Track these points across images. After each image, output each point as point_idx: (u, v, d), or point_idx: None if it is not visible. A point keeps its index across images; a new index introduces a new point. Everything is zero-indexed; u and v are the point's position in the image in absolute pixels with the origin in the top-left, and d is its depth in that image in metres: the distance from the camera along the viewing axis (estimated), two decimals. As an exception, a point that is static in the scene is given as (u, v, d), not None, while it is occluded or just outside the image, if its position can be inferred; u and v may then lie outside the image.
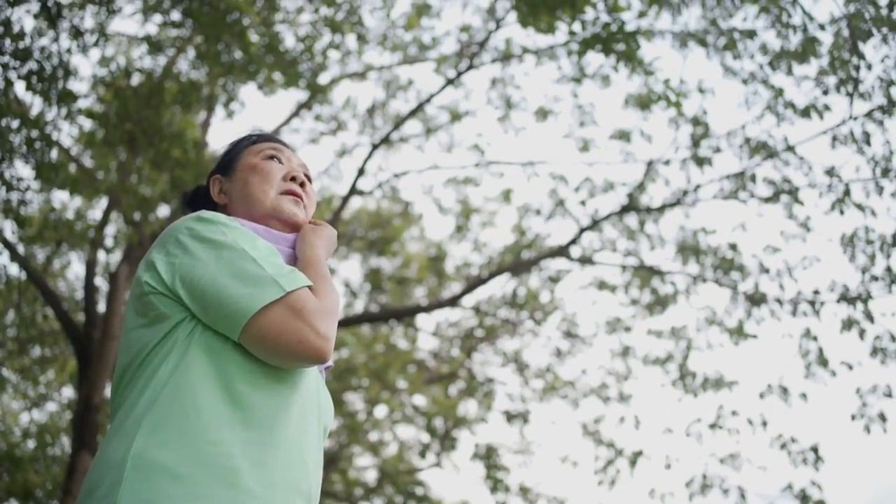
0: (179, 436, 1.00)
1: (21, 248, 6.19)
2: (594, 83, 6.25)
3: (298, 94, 7.53)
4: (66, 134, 5.67)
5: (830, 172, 5.14)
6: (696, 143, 5.80)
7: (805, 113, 5.09)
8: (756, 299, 5.80)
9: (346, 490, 9.54)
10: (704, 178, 5.93)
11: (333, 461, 9.02)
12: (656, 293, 6.68)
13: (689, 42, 5.48)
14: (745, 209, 5.93)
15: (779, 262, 5.75)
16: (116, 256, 7.33)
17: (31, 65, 4.27)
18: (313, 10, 5.87)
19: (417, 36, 7.22)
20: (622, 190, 6.40)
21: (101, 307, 6.80)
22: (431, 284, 8.89)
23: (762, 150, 5.49)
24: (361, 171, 7.11)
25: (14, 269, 5.87)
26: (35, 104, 5.17)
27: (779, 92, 5.27)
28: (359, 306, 9.10)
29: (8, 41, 4.17)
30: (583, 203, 6.62)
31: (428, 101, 7.16)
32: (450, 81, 6.89)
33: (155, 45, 5.57)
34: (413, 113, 7.29)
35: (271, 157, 1.34)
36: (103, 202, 6.87)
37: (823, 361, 5.36)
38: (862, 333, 5.09)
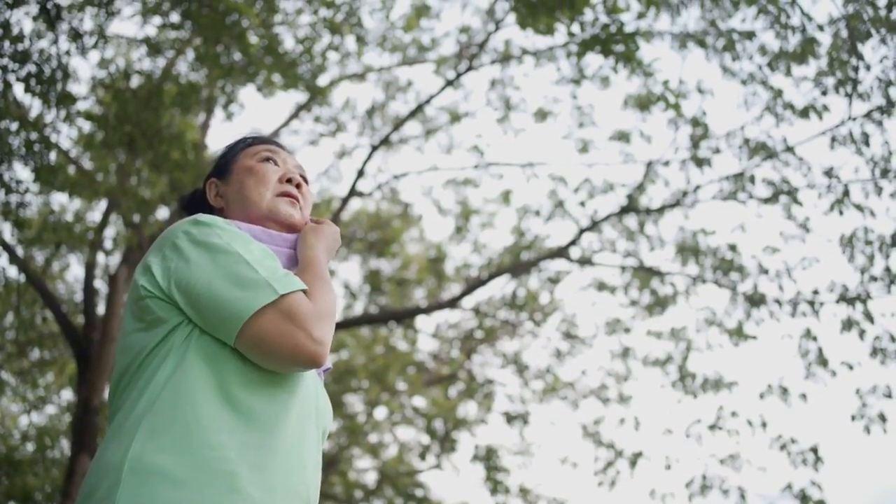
0: (177, 440, 1.00)
1: (20, 251, 6.19)
2: (593, 84, 6.26)
3: (298, 96, 7.54)
4: (65, 136, 5.68)
5: (829, 173, 5.15)
6: (695, 143, 5.80)
7: (804, 114, 5.10)
8: (755, 300, 5.80)
9: (346, 492, 9.53)
10: (704, 178, 5.94)
11: (333, 463, 9.02)
12: (656, 294, 6.68)
13: (689, 43, 5.48)
14: (745, 210, 5.95)
15: (778, 262, 5.76)
16: (116, 258, 7.33)
17: (31, 67, 4.28)
18: (312, 11, 5.87)
19: (417, 37, 7.23)
20: (622, 191, 6.41)
21: (101, 309, 6.79)
22: (431, 286, 8.89)
23: (761, 150, 5.49)
24: (361, 173, 7.11)
25: (13, 272, 5.87)
26: (34, 106, 5.17)
27: (778, 93, 5.28)
28: (358, 308, 9.10)
29: (7, 43, 4.17)
30: (582, 204, 6.63)
31: (427, 102, 7.16)
32: (449, 83, 6.89)
33: (154, 47, 5.57)
34: (412, 114, 7.29)
35: (267, 160, 1.34)
36: (102, 204, 6.87)
37: (823, 362, 5.36)
38: (862, 334, 5.09)
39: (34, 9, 4.31)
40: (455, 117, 7.55)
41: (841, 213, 5.02)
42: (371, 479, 9.74)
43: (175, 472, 0.98)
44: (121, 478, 0.98)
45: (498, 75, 6.96)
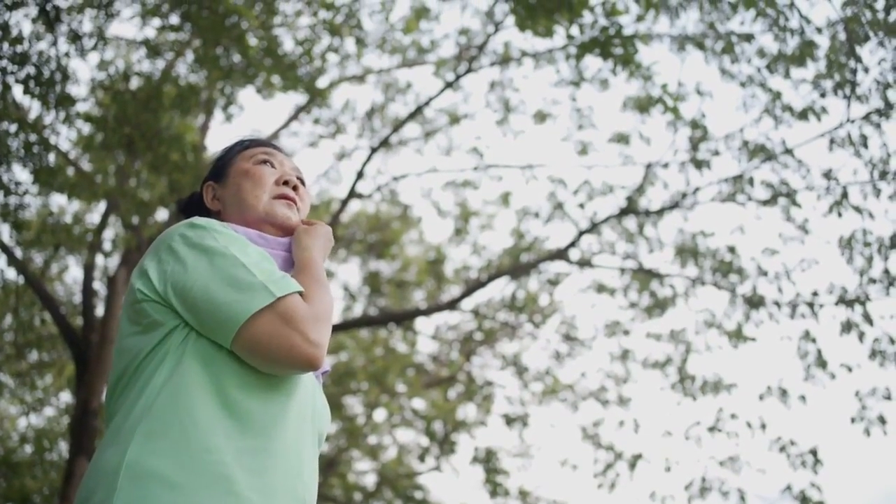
0: (174, 444, 1.00)
1: (19, 252, 6.18)
2: (593, 86, 6.26)
3: (297, 98, 7.54)
4: (64, 138, 5.67)
5: (828, 175, 5.16)
6: (694, 146, 5.81)
7: (803, 116, 5.11)
8: (755, 302, 5.80)
9: (346, 494, 9.52)
10: (703, 180, 5.95)
11: (332, 465, 9.01)
12: (655, 296, 6.68)
13: (687, 45, 5.49)
14: (744, 212, 5.95)
15: (777, 264, 5.76)
16: (115, 260, 7.32)
17: (30, 69, 4.28)
18: (312, 13, 5.87)
19: (416, 39, 7.24)
20: (621, 193, 6.41)
21: (100, 311, 6.79)
22: (430, 288, 8.88)
23: (760, 152, 5.50)
24: (360, 175, 7.11)
25: (12, 274, 5.87)
26: (33, 108, 5.18)
27: (776, 95, 5.29)
28: (358, 309, 9.09)
29: (6, 45, 4.18)
30: (581, 206, 6.63)
31: (427, 104, 7.17)
32: (448, 85, 6.90)
33: (153, 49, 5.58)
34: (412, 116, 7.29)
35: (263, 162, 1.33)
36: (101, 206, 6.86)
37: (822, 363, 5.36)
38: (861, 336, 5.09)
39: (33, 10, 4.32)
40: (454, 119, 7.55)
41: (840, 214, 5.02)
42: (370, 481, 9.74)
43: (172, 475, 0.98)
44: (118, 482, 0.98)
45: (497, 77, 6.97)
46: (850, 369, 5.20)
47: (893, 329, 5.10)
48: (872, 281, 5.01)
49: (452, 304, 7.28)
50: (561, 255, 6.76)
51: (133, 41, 6.33)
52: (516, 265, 7.20)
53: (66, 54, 4.44)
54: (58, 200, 8.23)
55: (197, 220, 1.17)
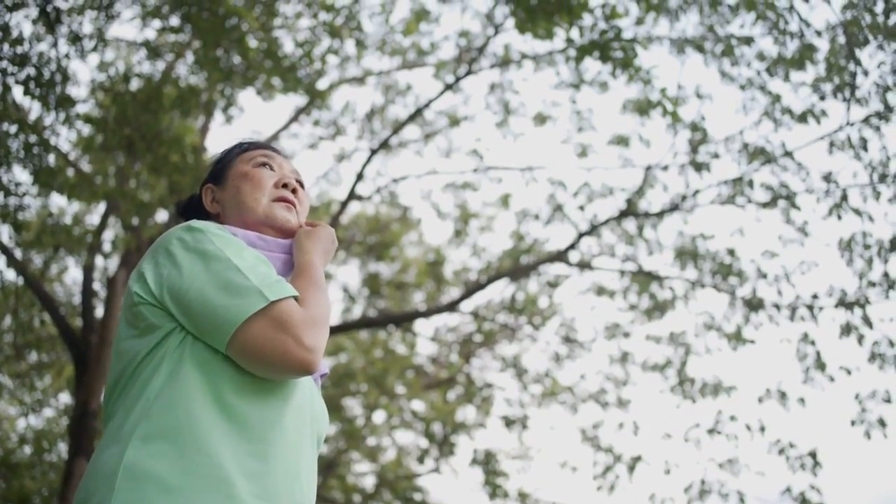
0: (172, 447, 1.00)
1: (18, 253, 6.18)
2: (592, 89, 6.27)
3: (297, 100, 7.54)
4: (64, 139, 5.68)
5: (828, 178, 5.16)
6: (694, 148, 5.81)
7: (802, 119, 5.11)
8: (754, 304, 5.80)
9: (345, 496, 9.51)
10: (702, 183, 5.95)
11: (331, 467, 9.00)
12: (655, 298, 6.68)
13: (687, 48, 5.50)
14: (744, 214, 5.95)
15: (777, 266, 5.76)
16: (114, 261, 7.32)
17: (30, 70, 4.28)
18: (312, 15, 5.87)
19: (416, 41, 7.24)
20: (621, 195, 6.42)
21: (99, 312, 6.79)
22: (430, 289, 8.88)
23: (760, 155, 5.50)
24: (360, 176, 7.11)
25: (11, 275, 5.87)
26: (33, 109, 5.18)
27: (776, 98, 5.29)
28: (357, 311, 9.09)
29: (6, 46, 4.18)
30: (581, 208, 6.63)
31: (427, 106, 7.17)
32: (448, 87, 6.91)
33: (154, 51, 5.58)
34: (412, 118, 7.30)
35: (263, 165, 1.33)
36: (101, 207, 6.86)
37: (821, 366, 5.36)
38: (860, 339, 5.09)
39: (34, 12, 4.32)
40: (454, 121, 7.56)
41: (839, 217, 5.02)
42: (369, 482, 9.73)
43: (170, 478, 0.98)
44: (115, 485, 0.98)
45: (497, 79, 6.97)
46: (848, 372, 5.20)
47: (893, 332, 5.10)
48: (872, 284, 5.01)
49: (452, 306, 7.28)
50: (560, 257, 6.76)
51: (133, 43, 6.34)
52: (516, 267, 7.20)
53: (67, 55, 4.44)
54: (57, 201, 8.24)
55: (194, 223, 1.17)
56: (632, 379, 7.26)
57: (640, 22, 5.28)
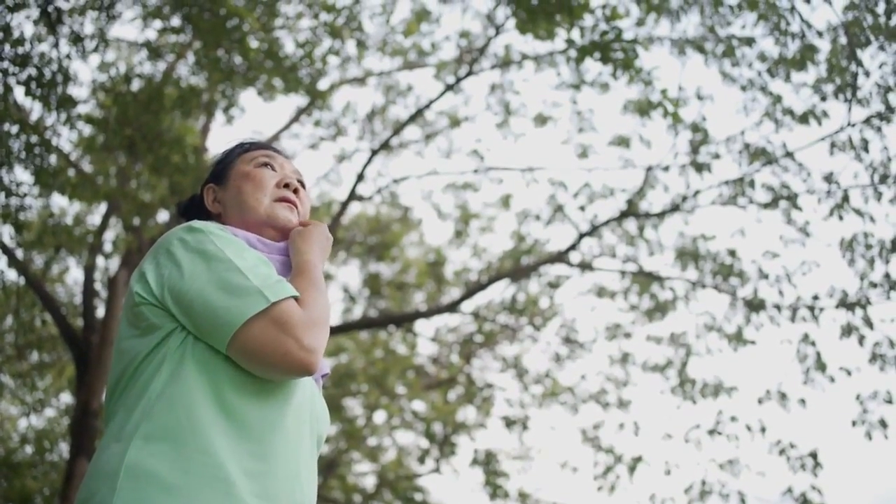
0: (173, 447, 1.00)
1: (20, 254, 6.19)
2: (593, 89, 6.27)
3: (298, 100, 7.54)
4: (65, 139, 5.69)
5: (829, 178, 5.16)
6: (695, 149, 5.81)
7: (803, 119, 5.11)
8: (755, 305, 5.80)
9: (345, 496, 9.51)
10: (703, 183, 5.95)
11: (332, 467, 9.00)
12: (655, 299, 6.68)
13: (688, 49, 5.50)
14: (745, 215, 5.93)
15: (778, 267, 5.76)
16: (115, 262, 7.33)
17: (31, 70, 4.28)
18: (313, 15, 5.88)
19: (417, 42, 7.24)
20: (621, 196, 6.41)
21: (100, 312, 6.79)
22: (430, 290, 8.88)
23: (761, 156, 5.50)
24: (361, 177, 7.12)
25: (13, 275, 5.87)
26: (35, 109, 5.18)
27: (777, 98, 5.29)
28: (358, 311, 9.09)
29: (7, 46, 4.18)
30: (582, 209, 6.63)
31: (427, 106, 7.17)
32: (449, 87, 6.91)
33: (154, 51, 5.59)
34: (412, 118, 7.30)
35: (264, 165, 1.33)
36: (102, 207, 6.87)
37: (821, 366, 5.35)
38: (861, 339, 5.09)
39: (35, 12, 4.33)
40: (455, 122, 7.56)
41: (841, 218, 5.02)
42: (370, 482, 9.73)
43: (171, 478, 0.98)
44: (117, 484, 0.98)
45: (498, 80, 6.98)
46: (849, 373, 5.19)
47: (894, 333, 5.10)
48: (873, 284, 5.01)
49: (452, 307, 7.28)
50: (561, 257, 6.76)
51: (134, 43, 6.35)
52: (516, 268, 7.20)
53: (68, 56, 4.45)
54: (59, 202, 8.25)
55: (195, 223, 1.17)
56: (632, 379, 7.26)
57: (640, 23, 5.28)
